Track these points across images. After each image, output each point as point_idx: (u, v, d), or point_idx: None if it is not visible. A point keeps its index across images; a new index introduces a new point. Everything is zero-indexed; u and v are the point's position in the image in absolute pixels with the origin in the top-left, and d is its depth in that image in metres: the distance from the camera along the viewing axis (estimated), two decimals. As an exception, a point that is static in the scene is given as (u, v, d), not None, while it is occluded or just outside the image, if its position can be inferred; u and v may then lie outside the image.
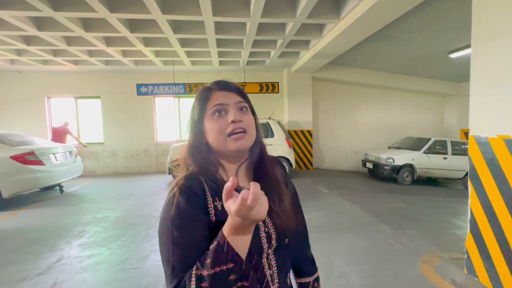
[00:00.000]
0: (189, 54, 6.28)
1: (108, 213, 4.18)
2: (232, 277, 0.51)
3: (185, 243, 0.57)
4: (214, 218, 0.61)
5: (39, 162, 4.51)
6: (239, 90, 0.71)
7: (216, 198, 0.63)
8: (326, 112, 8.57)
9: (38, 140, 5.14)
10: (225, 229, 0.52)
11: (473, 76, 2.22)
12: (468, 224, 2.28)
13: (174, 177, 6.36)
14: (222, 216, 0.61)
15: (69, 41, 5.27)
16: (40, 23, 4.43)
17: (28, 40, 5.20)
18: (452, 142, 6.94)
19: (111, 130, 7.86)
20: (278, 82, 7.06)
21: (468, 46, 5.42)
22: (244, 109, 0.69)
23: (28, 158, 4.38)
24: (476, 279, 2.21)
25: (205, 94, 0.70)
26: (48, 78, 7.50)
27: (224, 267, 0.51)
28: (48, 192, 5.50)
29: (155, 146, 8.07)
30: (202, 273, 0.51)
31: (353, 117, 8.78)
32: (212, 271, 0.50)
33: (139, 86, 6.59)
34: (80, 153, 6.64)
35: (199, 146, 0.69)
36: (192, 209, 0.59)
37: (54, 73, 7.46)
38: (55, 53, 5.98)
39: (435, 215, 4.16)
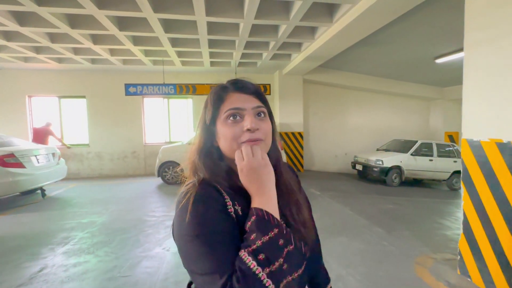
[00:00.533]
0: (180, 54, 6.17)
1: (94, 218, 4.00)
2: (280, 241, 0.51)
3: (219, 238, 0.52)
4: (237, 223, 0.57)
5: (20, 165, 4.26)
6: (257, 93, 0.65)
7: (236, 203, 0.58)
8: (316, 114, 8.65)
9: (18, 141, 4.86)
10: (254, 203, 0.55)
11: (466, 81, 2.28)
12: (461, 226, 2.32)
13: (163, 179, 6.20)
14: (244, 220, 0.56)
15: (53, 37, 5.04)
16: (22, 18, 4.21)
17: (8, 35, 4.93)
18: (437, 144, 7.15)
19: (97, 131, 7.59)
20: (269, 84, 7.06)
21: (454, 52, 5.63)
22: (262, 115, 0.63)
23: (8, 161, 4.13)
24: (469, 279, 2.26)
25: (220, 94, 0.64)
26: (29, 76, 7.15)
27: (272, 233, 0.51)
28: (29, 196, 5.21)
29: (143, 148, 7.85)
30: (254, 247, 0.49)
31: (342, 119, 8.91)
32: (264, 238, 0.50)
33: (127, 86, 6.40)
34: (63, 155, 6.35)
35: (209, 150, 0.64)
36: (214, 206, 0.56)
37: (35, 71, 7.12)
38: (38, 50, 5.71)
39: (424, 216, 4.26)
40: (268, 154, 0.64)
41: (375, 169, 6.76)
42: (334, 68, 7.82)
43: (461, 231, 2.34)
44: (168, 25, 4.62)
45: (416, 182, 7.51)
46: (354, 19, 3.86)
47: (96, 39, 5.18)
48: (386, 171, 6.65)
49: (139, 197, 5.23)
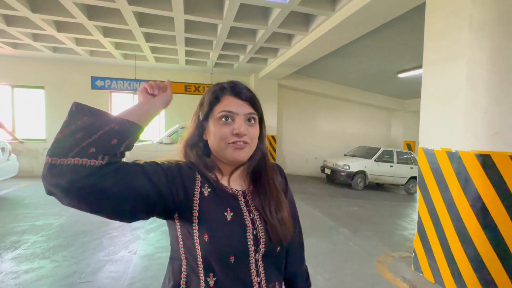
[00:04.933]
0: (154, 49, 5.95)
1: (50, 220, 3.67)
2: (79, 135, 0.48)
3: (151, 170, 0.58)
4: (198, 202, 0.62)
5: (-40, 160, 3.76)
6: (252, 100, 0.68)
7: (206, 185, 0.65)
8: (289, 118, 8.90)
9: (-41, 133, 4.30)
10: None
11: (423, 94, 2.53)
12: (416, 226, 2.56)
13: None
14: (206, 203, 0.62)
15: (10, 20, 4.55)
16: (-28, -5, 3.75)
17: (-48, 13, 4.35)
18: (397, 152, 7.78)
19: (56, 125, 6.89)
20: (245, 87, 7.10)
21: (414, 68, 6.19)
22: (252, 120, 0.67)
23: None
24: (421, 274, 2.49)
25: (217, 94, 0.67)
26: (-24, 60, 6.36)
27: (73, 126, 0.49)
28: (-31, 196, 4.62)
29: (109, 146, 7.38)
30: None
31: (313, 125, 9.28)
32: (60, 135, 0.49)
33: (94, 79, 5.99)
34: (14, 150, 5.73)
35: (198, 143, 0.69)
36: (180, 172, 0.63)
37: (-16, 56, 6.37)
38: (-11, 32, 5.12)
39: (384, 217, 4.60)
40: (253, 154, 0.70)
41: (342, 173, 7.14)
42: (308, 75, 8.13)
43: (415, 231, 2.58)
44: (143, 19, 4.45)
45: (378, 186, 8.07)
46: (328, 30, 4.08)
47: (60, 26, 4.79)
48: (352, 176, 7.06)
49: (102, 197, 4.90)
